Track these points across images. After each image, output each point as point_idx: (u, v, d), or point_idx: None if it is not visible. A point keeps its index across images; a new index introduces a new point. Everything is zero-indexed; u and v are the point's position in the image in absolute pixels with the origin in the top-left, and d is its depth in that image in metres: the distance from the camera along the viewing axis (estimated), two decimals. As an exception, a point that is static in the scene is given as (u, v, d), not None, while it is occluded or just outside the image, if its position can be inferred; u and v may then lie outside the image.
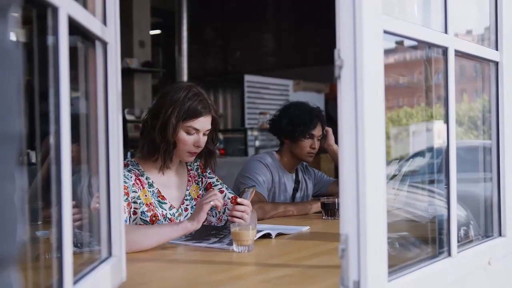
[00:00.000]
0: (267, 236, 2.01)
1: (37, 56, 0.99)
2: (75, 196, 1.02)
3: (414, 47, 1.62)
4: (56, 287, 0.95)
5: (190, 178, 2.25)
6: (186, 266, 1.69)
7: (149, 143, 2.08)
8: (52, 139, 0.96)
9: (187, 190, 2.22)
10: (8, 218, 0.51)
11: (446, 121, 1.44)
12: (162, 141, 2.05)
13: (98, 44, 1.26)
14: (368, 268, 1.08)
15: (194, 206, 2.19)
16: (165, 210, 2.09)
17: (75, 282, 1.03)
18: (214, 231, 2.05)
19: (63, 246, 0.95)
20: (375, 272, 1.11)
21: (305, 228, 2.24)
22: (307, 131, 2.84)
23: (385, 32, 1.17)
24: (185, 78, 7.15)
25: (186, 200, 2.20)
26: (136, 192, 2.03)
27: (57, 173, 0.95)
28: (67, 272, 0.96)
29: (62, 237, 0.95)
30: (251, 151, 7.08)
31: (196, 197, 2.24)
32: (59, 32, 0.95)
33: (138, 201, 2.03)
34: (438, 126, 1.75)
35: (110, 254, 1.30)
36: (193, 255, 1.81)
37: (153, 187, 2.10)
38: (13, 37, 0.54)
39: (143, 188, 2.07)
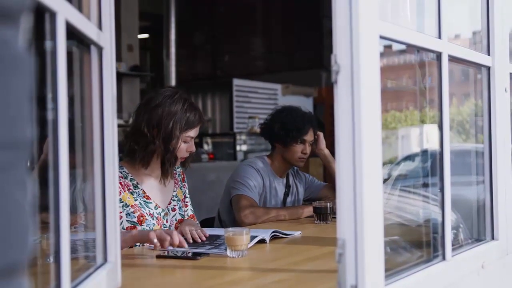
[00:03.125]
0: (261, 241, 2.01)
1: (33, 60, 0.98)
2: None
3: (402, 51, 1.63)
4: (54, 293, 0.94)
5: (176, 180, 2.34)
6: (181, 272, 1.68)
7: (149, 153, 2.13)
8: (49, 144, 0.95)
9: (174, 191, 2.30)
10: (20, 225, 0.51)
11: (440, 125, 1.44)
12: (167, 152, 2.14)
13: (93, 49, 1.25)
14: (365, 272, 1.08)
15: (181, 207, 2.30)
16: (151, 209, 2.16)
17: (72, 289, 1.02)
18: (209, 239, 2.04)
19: (61, 252, 0.94)
20: (373, 276, 1.11)
21: (297, 233, 2.24)
22: (299, 136, 2.84)
23: (381, 37, 1.18)
24: (173, 82, 7.13)
25: (174, 200, 2.29)
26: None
27: (55, 179, 0.94)
28: (64, 279, 0.95)
29: (60, 243, 0.94)
30: (240, 155, 7.07)
31: (181, 199, 2.32)
32: (57, 36, 0.94)
33: (121, 204, 2.08)
34: (427, 130, 1.76)
35: (105, 260, 1.29)
36: (187, 261, 1.81)
37: (138, 188, 2.17)
38: (24, 43, 0.53)
39: (128, 189, 2.13)
